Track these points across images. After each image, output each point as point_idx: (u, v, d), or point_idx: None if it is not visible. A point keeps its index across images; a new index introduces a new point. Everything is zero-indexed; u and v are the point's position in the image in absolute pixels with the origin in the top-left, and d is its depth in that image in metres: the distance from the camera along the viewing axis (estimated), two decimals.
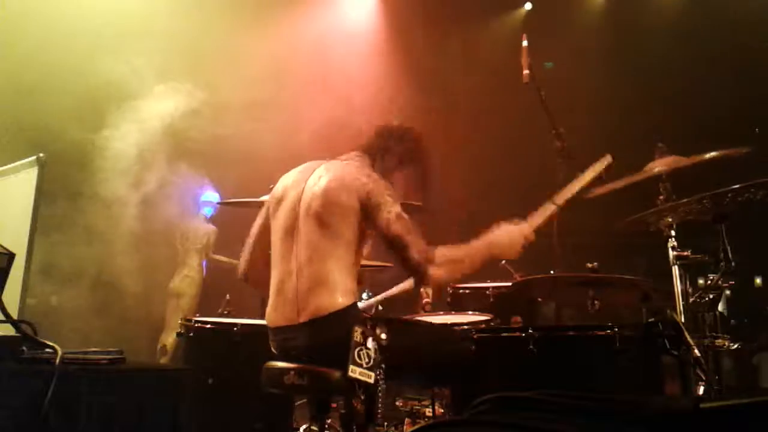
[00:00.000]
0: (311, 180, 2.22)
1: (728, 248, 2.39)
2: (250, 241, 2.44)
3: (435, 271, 2.07)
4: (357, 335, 1.96)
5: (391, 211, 2.09)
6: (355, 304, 2.09)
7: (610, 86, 6.25)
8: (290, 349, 2.14)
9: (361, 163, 2.25)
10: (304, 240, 2.14)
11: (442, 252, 2.10)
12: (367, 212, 2.11)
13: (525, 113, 3.76)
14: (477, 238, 2.21)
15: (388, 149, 2.34)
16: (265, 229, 2.36)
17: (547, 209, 2.34)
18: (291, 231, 2.19)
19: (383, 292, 3.48)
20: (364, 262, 2.47)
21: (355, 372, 1.92)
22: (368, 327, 2.00)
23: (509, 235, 2.24)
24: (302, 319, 2.07)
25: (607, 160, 2.53)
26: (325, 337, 2.05)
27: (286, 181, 2.33)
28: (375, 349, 1.97)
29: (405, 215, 2.10)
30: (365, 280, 3.45)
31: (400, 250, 2.08)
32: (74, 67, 5.18)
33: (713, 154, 2.54)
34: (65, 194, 4.99)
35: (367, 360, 1.94)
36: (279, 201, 2.29)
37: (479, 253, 2.20)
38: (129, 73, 5.33)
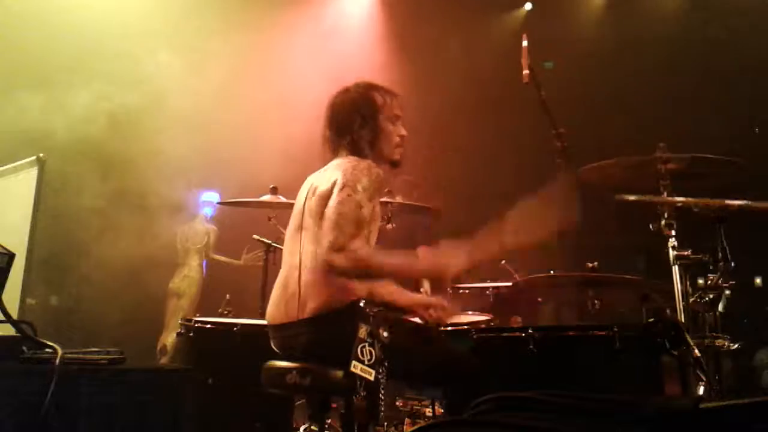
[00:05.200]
0: (318, 178, 2.27)
1: (727, 248, 2.39)
2: None
3: (338, 259, 1.99)
4: (362, 332, 1.96)
5: (351, 194, 2.06)
6: (357, 302, 2.09)
7: (610, 86, 6.25)
8: (293, 345, 2.15)
9: (359, 158, 2.24)
10: (309, 237, 2.17)
11: (366, 252, 2.03)
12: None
13: (525, 113, 3.76)
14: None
15: (355, 125, 2.28)
16: None
17: (492, 247, 2.22)
18: (299, 228, 2.24)
19: None
20: None
21: (356, 368, 1.92)
22: (372, 324, 2.00)
23: (447, 264, 2.16)
24: (304, 316, 2.08)
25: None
26: (327, 334, 2.05)
27: (308, 179, 2.39)
28: (378, 347, 1.97)
29: (362, 209, 2.06)
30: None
31: (329, 226, 2.03)
32: (74, 64, 5.18)
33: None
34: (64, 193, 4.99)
35: (369, 357, 1.94)
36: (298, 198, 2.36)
37: (406, 272, 2.19)
38: (130, 71, 5.34)
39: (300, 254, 2.17)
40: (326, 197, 2.13)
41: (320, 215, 2.13)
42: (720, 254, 2.39)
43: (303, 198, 2.30)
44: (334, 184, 2.13)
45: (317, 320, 2.07)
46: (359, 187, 2.09)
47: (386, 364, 1.96)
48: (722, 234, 2.40)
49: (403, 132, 2.37)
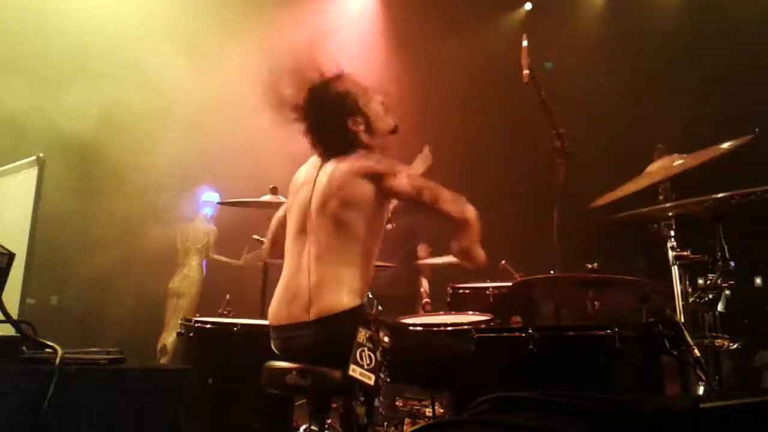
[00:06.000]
0: (320, 177, 2.22)
1: (725, 248, 2.39)
2: (273, 222, 2.50)
3: (471, 213, 2.13)
4: (361, 336, 1.95)
5: (403, 175, 2.12)
6: (362, 305, 2.09)
7: (610, 86, 6.26)
8: (294, 347, 2.14)
9: (358, 153, 2.24)
10: (316, 238, 2.14)
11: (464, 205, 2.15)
12: (383, 189, 2.12)
13: (524, 113, 3.76)
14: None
15: (347, 124, 2.25)
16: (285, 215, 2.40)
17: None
18: (303, 229, 2.20)
19: (382, 291, 3.48)
20: None
21: (355, 372, 1.91)
22: (373, 329, 2.00)
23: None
24: (310, 317, 2.07)
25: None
26: (331, 336, 2.05)
27: (300, 175, 2.34)
28: (378, 352, 1.96)
29: (415, 174, 2.16)
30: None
31: (432, 205, 2.11)
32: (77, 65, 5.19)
33: (723, 147, 2.52)
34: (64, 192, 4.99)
35: (368, 361, 1.94)
36: (294, 196, 2.31)
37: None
38: (131, 72, 5.34)
39: (307, 256, 2.14)
40: (350, 201, 2.11)
41: (336, 219, 2.11)
42: (719, 254, 2.39)
43: (306, 194, 2.23)
44: (363, 183, 2.11)
45: (321, 323, 2.05)
46: (395, 166, 2.13)
47: (386, 368, 1.96)
48: (721, 233, 2.40)
49: (381, 98, 2.34)
